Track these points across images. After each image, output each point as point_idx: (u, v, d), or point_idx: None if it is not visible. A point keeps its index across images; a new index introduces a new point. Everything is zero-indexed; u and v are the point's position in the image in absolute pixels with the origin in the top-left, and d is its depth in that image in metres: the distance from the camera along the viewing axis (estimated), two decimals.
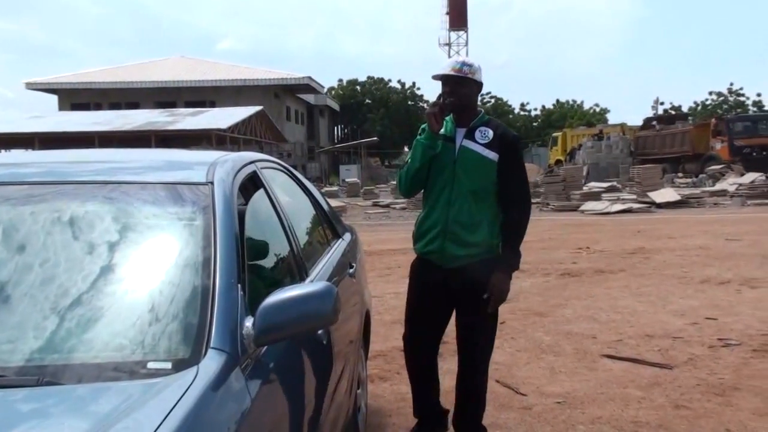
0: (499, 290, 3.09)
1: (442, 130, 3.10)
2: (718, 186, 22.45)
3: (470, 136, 3.10)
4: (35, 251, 1.81)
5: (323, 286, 1.70)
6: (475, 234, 3.09)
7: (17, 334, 1.57)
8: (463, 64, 3.09)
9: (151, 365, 1.50)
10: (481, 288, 3.09)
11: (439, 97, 3.10)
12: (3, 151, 32.76)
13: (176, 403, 1.33)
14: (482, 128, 3.11)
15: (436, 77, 3.11)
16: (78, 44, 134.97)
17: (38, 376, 1.44)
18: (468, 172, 3.07)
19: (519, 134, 3.23)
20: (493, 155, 3.06)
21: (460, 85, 3.06)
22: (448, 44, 63.46)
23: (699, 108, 62.13)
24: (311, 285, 1.75)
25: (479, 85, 3.13)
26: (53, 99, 47.32)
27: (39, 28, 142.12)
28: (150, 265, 1.83)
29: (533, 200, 21.92)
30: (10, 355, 1.51)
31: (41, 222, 1.89)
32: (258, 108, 37.10)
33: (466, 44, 62.97)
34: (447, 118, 3.13)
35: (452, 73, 3.06)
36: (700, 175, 26.61)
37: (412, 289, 3.34)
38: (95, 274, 1.71)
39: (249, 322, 1.65)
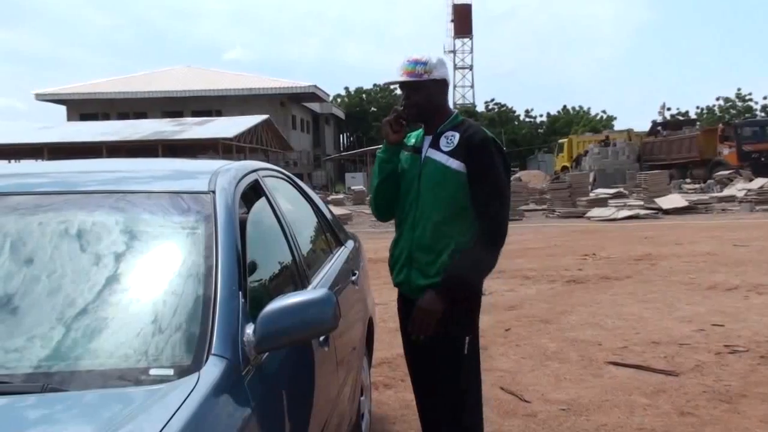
0: (421, 309, 2.52)
1: (414, 141, 2.67)
2: (726, 192, 22.36)
3: (435, 143, 2.58)
4: (43, 260, 1.84)
5: (323, 293, 1.72)
6: (435, 263, 2.55)
7: (24, 342, 1.59)
8: (416, 63, 2.53)
9: (153, 372, 1.52)
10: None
11: (399, 104, 2.64)
12: (13, 161, 32.97)
13: (178, 409, 1.36)
14: (449, 133, 2.57)
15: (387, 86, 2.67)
16: (85, 55, 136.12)
17: (44, 383, 1.46)
18: (430, 187, 2.55)
19: (493, 136, 2.59)
20: (457, 164, 2.51)
21: (417, 91, 2.55)
22: (453, 51, 63.63)
23: (706, 113, 61.89)
24: (311, 292, 1.77)
25: (441, 82, 2.58)
26: (62, 109, 47.70)
27: (46, 39, 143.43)
28: (153, 273, 1.86)
29: (539, 207, 22.13)
30: (17, 362, 1.54)
31: (49, 232, 1.92)
32: (264, 117, 37.23)
33: (471, 51, 63.12)
34: (416, 132, 2.69)
35: (404, 78, 2.55)
36: (708, 181, 26.51)
37: (402, 334, 2.80)
38: (100, 284, 1.74)
39: (250, 329, 1.67)
